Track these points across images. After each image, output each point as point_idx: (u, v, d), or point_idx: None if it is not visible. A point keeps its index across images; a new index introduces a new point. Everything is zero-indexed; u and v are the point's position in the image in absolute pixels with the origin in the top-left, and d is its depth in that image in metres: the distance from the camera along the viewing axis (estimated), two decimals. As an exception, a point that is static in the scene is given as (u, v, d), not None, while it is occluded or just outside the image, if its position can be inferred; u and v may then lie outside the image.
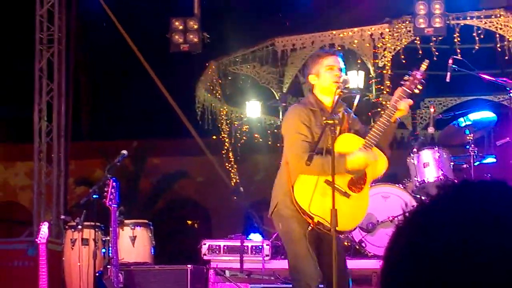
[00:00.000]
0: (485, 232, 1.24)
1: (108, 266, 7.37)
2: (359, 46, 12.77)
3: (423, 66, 5.61)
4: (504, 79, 8.18)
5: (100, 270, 7.65)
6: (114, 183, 7.09)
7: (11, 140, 19.17)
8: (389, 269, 1.34)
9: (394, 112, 5.47)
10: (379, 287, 1.34)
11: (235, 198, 12.25)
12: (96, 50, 19.65)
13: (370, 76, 12.97)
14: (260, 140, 14.65)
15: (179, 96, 12.83)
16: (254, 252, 8.30)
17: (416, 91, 5.54)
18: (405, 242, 1.31)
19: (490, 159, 8.68)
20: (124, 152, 7.69)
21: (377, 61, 12.69)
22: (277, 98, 13.86)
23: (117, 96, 20.12)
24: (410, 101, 5.53)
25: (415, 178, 8.44)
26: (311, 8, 13.57)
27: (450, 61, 7.71)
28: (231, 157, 14.29)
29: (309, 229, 5.38)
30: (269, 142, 14.31)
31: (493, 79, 8.26)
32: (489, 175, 8.76)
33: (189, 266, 7.97)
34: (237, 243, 8.36)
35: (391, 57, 12.61)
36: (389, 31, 12.60)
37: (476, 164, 8.33)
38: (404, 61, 12.35)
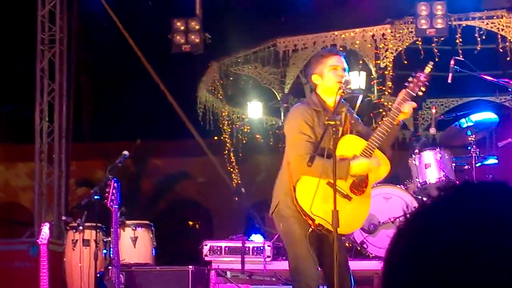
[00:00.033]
0: (485, 233, 1.24)
1: (109, 267, 7.37)
2: (361, 47, 12.76)
3: (428, 69, 5.57)
4: (506, 80, 8.18)
5: (101, 271, 7.64)
6: (115, 184, 7.09)
7: (12, 141, 19.16)
8: (390, 271, 1.33)
9: (398, 114, 5.45)
10: (380, 289, 1.34)
11: (236, 199, 12.23)
12: (98, 50, 19.66)
13: (372, 77, 12.96)
14: (262, 140, 14.65)
15: (180, 96, 12.84)
16: (255, 253, 8.30)
17: (420, 93, 5.52)
18: (406, 243, 1.31)
19: (492, 160, 8.68)
20: (126, 152, 7.69)
21: (378, 62, 12.68)
22: (279, 98, 13.88)
23: (119, 96, 20.12)
24: (414, 104, 5.51)
25: (417, 179, 8.44)
26: (313, 8, 13.56)
27: (452, 62, 7.70)
28: (233, 157, 14.28)
29: (309, 230, 5.38)
30: (271, 143, 14.30)
31: (495, 80, 8.25)
32: (490, 176, 8.76)
33: (190, 267, 7.97)
34: (239, 244, 8.36)
35: (393, 58, 12.60)
36: (391, 32, 12.59)
37: (477, 165, 8.33)
38: (406, 62, 12.33)
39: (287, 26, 14.05)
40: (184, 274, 7.94)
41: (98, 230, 8.26)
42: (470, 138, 8.34)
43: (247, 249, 8.30)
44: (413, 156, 8.52)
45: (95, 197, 7.68)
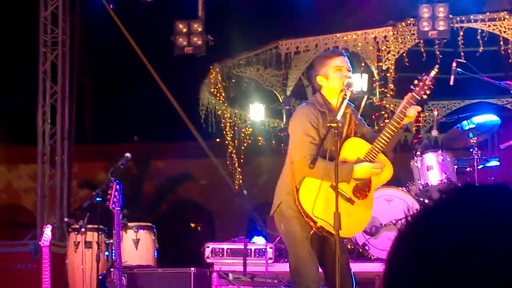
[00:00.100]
0: (486, 235, 1.24)
1: (111, 269, 7.37)
2: (363, 49, 12.76)
3: (433, 72, 5.54)
4: (508, 82, 8.18)
5: (103, 273, 7.65)
6: (117, 186, 7.09)
7: (14, 143, 19.17)
8: (391, 272, 1.33)
9: (403, 118, 5.43)
10: (381, 291, 1.34)
11: (238, 200, 12.23)
12: (100, 52, 19.68)
13: (374, 79, 12.96)
14: (264, 142, 14.65)
15: (182, 98, 12.85)
16: (257, 255, 8.30)
17: (425, 96, 5.51)
18: (407, 245, 1.31)
19: (494, 162, 8.68)
20: (128, 155, 7.69)
21: (380, 64, 12.68)
22: (281, 101, 13.89)
23: (121, 98, 20.14)
24: (419, 108, 5.50)
25: (419, 181, 8.44)
26: (315, 10, 13.56)
27: (454, 64, 7.69)
28: (235, 159, 14.29)
29: (311, 232, 5.38)
30: (273, 145, 14.31)
31: (497, 82, 8.25)
32: (492, 178, 8.76)
33: (192, 269, 7.97)
34: (241, 246, 8.36)
35: (394, 60, 12.61)
36: (393, 34, 12.59)
37: (479, 167, 8.33)
38: (407, 64, 12.34)
39: (289, 29, 14.05)
40: (186, 276, 7.94)
41: (100, 232, 8.26)
42: (472, 140, 8.34)
43: (249, 251, 8.30)
44: (415, 158, 8.52)
45: (97, 199, 7.69)
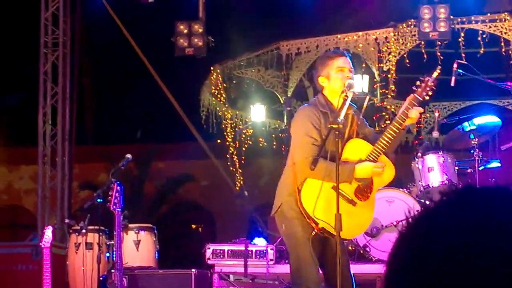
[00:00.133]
0: (487, 237, 1.24)
1: (112, 270, 7.38)
2: (364, 50, 12.77)
3: (435, 73, 5.52)
4: (509, 83, 8.17)
5: (104, 274, 7.65)
6: (118, 187, 7.09)
7: (15, 144, 19.18)
8: (392, 274, 1.33)
9: (405, 120, 5.42)
10: (382, 292, 1.34)
11: (239, 202, 12.24)
12: (101, 53, 19.68)
13: (375, 80, 12.95)
14: (265, 144, 14.65)
15: (183, 99, 12.85)
16: (258, 256, 8.30)
17: (427, 97, 5.50)
18: (408, 246, 1.31)
19: (495, 164, 8.68)
20: (129, 156, 7.70)
21: (381, 65, 12.68)
22: (282, 102, 13.89)
23: (122, 99, 20.14)
24: (421, 109, 5.48)
25: (420, 183, 8.43)
26: (316, 11, 13.57)
27: (455, 65, 7.69)
28: (236, 161, 14.29)
29: (313, 234, 5.37)
30: (274, 146, 14.31)
31: (498, 83, 8.25)
32: (493, 179, 8.75)
33: (193, 270, 7.97)
34: (242, 247, 8.36)
35: (395, 61, 12.61)
36: (394, 35, 12.59)
37: (480, 168, 8.33)
38: (408, 65, 12.34)
39: (290, 29, 14.05)
40: (187, 278, 7.93)
41: (101, 233, 8.26)
42: (473, 142, 8.34)
43: (250, 252, 8.30)
44: (416, 159, 8.51)
45: (98, 200, 7.69)
